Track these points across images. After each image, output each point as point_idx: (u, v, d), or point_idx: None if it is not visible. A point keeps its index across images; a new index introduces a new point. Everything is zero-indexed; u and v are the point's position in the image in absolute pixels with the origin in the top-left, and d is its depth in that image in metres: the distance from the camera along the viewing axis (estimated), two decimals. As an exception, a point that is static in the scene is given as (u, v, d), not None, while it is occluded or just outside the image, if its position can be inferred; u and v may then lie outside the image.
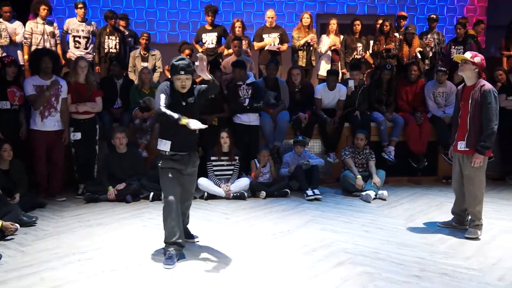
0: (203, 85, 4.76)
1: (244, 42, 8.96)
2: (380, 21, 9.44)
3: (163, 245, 4.74)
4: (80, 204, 6.77)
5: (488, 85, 5.28)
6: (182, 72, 4.52)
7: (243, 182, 7.20)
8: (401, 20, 9.80)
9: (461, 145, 5.41)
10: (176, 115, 4.40)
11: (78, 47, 8.80)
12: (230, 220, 6.06)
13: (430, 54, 9.58)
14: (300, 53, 9.09)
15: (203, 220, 5.98)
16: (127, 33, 9.40)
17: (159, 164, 4.67)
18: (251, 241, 5.24)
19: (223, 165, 7.28)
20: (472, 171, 5.33)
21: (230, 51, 8.87)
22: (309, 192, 7.08)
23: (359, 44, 9.27)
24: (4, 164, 6.36)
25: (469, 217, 5.55)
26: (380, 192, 7.20)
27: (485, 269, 4.45)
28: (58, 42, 8.69)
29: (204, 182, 7.07)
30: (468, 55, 5.38)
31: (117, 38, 8.92)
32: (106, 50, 8.87)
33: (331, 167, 8.32)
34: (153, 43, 9.70)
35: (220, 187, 7.11)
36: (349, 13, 12.15)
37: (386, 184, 7.63)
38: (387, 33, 9.13)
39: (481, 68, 5.33)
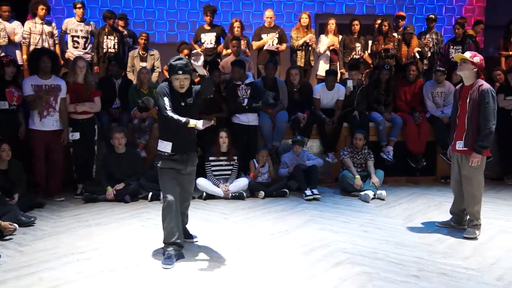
0: (198, 86, 4.76)
1: (242, 42, 8.96)
2: (379, 21, 9.46)
3: (162, 245, 4.74)
4: (78, 204, 6.76)
5: (486, 85, 5.29)
6: (180, 72, 4.52)
7: (242, 182, 7.20)
8: (400, 20, 9.81)
9: (459, 145, 5.42)
10: (183, 119, 4.43)
11: (76, 47, 8.80)
12: (229, 220, 6.06)
13: (429, 54, 9.59)
14: (298, 53, 9.10)
15: (201, 220, 5.98)
16: (125, 33, 9.40)
17: (158, 165, 4.67)
18: (249, 241, 5.24)
19: (221, 165, 7.28)
20: (470, 171, 5.34)
21: (229, 51, 8.87)
22: (308, 192, 7.09)
23: (357, 44, 9.28)
24: (2, 164, 6.35)
25: (468, 217, 5.56)
26: (378, 192, 7.20)
27: (483, 269, 4.45)
28: (56, 42, 8.69)
29: (202, 182, 7.07)
30: (467, 54, 5.39)
31: (116, 38, 8.92)
32: (104, 50, 8.87)
33: (329, 167, 8.32)
34: (151, 43, 9.70)
35: (218, 187, 7.11)
36: (347, 13, 12.15)
37: (384, 184, 7.64)
38: (385, 33, 9.14)
39: (480, 68, 5.33)
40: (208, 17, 9.21)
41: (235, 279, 4.21)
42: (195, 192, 6.63)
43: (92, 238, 5.29)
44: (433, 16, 9.93)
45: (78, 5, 8.71)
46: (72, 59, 8.06)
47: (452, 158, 5.64)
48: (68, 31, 8.83)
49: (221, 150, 7.22)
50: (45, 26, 8.48)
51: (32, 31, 8.38)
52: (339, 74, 9.17)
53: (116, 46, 8.91)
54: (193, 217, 5.57)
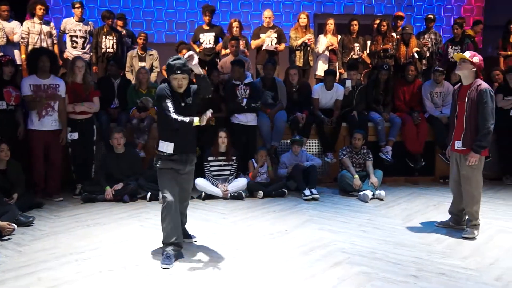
0: (196, 86, 4.76)
1: (241, 42, 8.96)
2: (378, 21, 9.45)
3: (160, 245, 4.75)
4: (77, 204, 6.76)
5: (484, 85, 5.30)
6: (179, 72, 4.52)
7: (241, 182, 7.20)
8: (398, 21, 9.81)
9: (458, 145, 5.42)
10: (187, 119, 4.45)
11: (75, 47, 8.79)
12: (228, 220, 6.06)
13: (427, 54, 9.59)
14: (297, 53, 9.10)
15: (200, 220, 5.98)
16: (124, 33, 9.38)
17: (157, 165, 4.66)
18: (248, 241, 5.24)
19: (220, 165, 7.28)
20: (469, 171, 5.34)
21: (228, 51, 8.87)
22: (307, 192, 7.09)
23: (356, 44, 9.30)
24: (1, 164, 6.35)
25: (466, 217, 5.56)
26: (377, 192, 7.20)
27: (482, 269, 4.46)
28: (55, 42, 8.68)
29: (201, 182, 7.07)
30: (467, 54, 5.40)
31: (114, 38, 8.91)
32: (103, 50, 8.86)
33: (328, 167, 8.32)
34: (150, 43, 9.69)
35: (217, 187, 7.11)
36: (346, 13, 12.16)
37: (383, 184, 7.64)
38: (384, 33, 9.14)
39: (479, 68, 5.34)
40: (207, 17, 9.21)
41: (234, 279, 4.21)
42: (194, 192, 6.63)
43: (91, 238, 5.28)
44: (431, 16, 9.93)
45: (77, 5, 8.70)
46: (70, 59, 8.06)
47: (451, 158, 5.65)
48: (66, 31, 8.81)
49: (220, 150, 7.22)
50: (43, 26, 8.46)
51: (31, 31, 8.37)
52: (338, 74, 9.16)
53: (114, 46, 8.90)
54: (192, 217, 5.57)
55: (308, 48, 9.12)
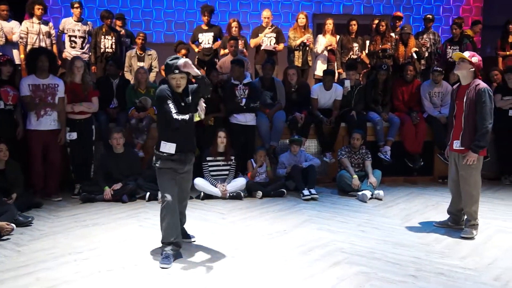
0: (194, 85, 4.76)
1: (240, 42, 8.96)
2: (376, 21, 9.46)
3: (159, 245, 4.75)
4: (76, 204, 6.76)
5: (483, 84, 5.30)
6: (177, 71, 4.52)
7: (240, 182, 7.20)
8: (397, 21, 9.81)
9: (456, 144, 5.43)
10: (187, 116, 4.45)
11: (74, 47, 8.79)
12: (227, 220, 6.06)
13: (426, 54, 9.60)
14: (296, 53, 9.09)
15: (199, 220, 5.98)
16: (123, 32, 9.38)
17: (157, 165, 4.65)
18: (247, 241, 5.24)
19: (219, 165, 7.28)
20: (468, 171, 5.35)
21: (226, 51, 8.87)
22: (306, 192, 7.09)
23: (355, 44, 9.30)
24: (0, 164, 6.34)
25: (465, 216, 5.56)
26: (376, 192, 7.20)
27: (481, 269, 4.46)
28: (54, 42, 8.68)
29: (200, 182, 7.07)
30: (466, 54, 5.41)
31: (113, 38, 8.91)
32: (102, 50, 8.86)
33: (327, 167, 8.33)
34: (149, 43, 9.68)
35: (216, 187, 7.11)
36: (345, 13, 12.16)
37: (382, 184, 7.65)
38: (383, 33, 9.14)
39: (478, 68, 5.35)
40: (206, 17, 9.21)
41: (233, 279, 4.21)
42: (193, 192, 6.65)
43: (89, 238, 5.28)
44: (430, 16, 9.94)
45: (76, 5, 8.70)
46: (69, 59, 8.05)
47: (450, 157, 5.65)
48: (65, 31, 8.81)
49: (218, 150, 7.22)
50: (42, 26, 8.47)
51: (30, 31, 8.37)
52: (336, 74, 9.16)
53: (113, 46, 8.90)
54: (190, 217, 5.56)
55: (307, 48, 9.11)
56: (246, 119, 7.84)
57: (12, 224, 5.42)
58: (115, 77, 8.12)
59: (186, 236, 5.13)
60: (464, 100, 5.32)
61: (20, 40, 8.36)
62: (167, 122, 4.53)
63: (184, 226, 5.14)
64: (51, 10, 10.98)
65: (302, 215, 6.28)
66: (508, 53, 9.74)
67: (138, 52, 8.93)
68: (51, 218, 6.07)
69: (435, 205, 6.83)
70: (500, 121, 8.01)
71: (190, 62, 4.50)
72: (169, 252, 4.57)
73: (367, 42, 9.44)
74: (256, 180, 7.39)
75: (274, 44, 9.10)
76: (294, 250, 4.95)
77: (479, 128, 5.24)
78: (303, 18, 9.08)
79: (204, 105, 4.56)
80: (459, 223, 5.69)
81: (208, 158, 7.24)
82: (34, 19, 8.40)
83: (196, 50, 9.31)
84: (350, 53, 9.27)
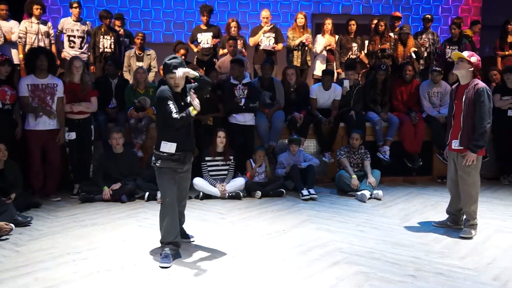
0: (193, 84, 4.75)
1: (239, 42, 8.96)
2: (375, 21, 9.46)
3: (158, 245, 4.75)
4: (75, 204, 6.75)
5: (481, 84, 5.31)
6: (175, 71, 4.52)
7: (239, 182, 7.20)
8: (396, 21, 9.81)
9: (455, 144, 5.43)
10: (185, 114, 4.43)
11: (72, 47, 8.79)
12: (226, 220, 6.06)
13: (425, 54, 9.61)
14: (295, 53, 9.09)
15: (198, 220, 5.98)
16: (122, 32, 9.38)
17: (157, 164, 4.64)
18: (246, 240, 5.24)
19: (218, 165, 7.28)
20: (466, 171, 5.35)
21: (225, 51, 8.87)
22: (305, 191, 7.09)
23: (354, 44, 9.29)
24: (-2, 164, 6.36)
25: (464, 216, 5.56)
26: (375, 191, 7.20)
27: (480, 269, 4.46)
28: (52, 42, 8.68)
29: (199, 182, 7.07)
30: (465, 53, 5.42)
31: (112, 38, 8.91)
32: (101, 50, 8.86)
33: (326, 167, 8.33)
34: (148, 43, 9.68)
35: (215, 187, 7.10)
36: (344, 13, 12.17)
37: (381, 184, 7.65)
38: (382, 33, 9.15)
39: (477, 68, 5.35)
40: (205, 17, 9.20)
41: (232, 279, 4.21)
42: (192, 192, 6.64)
43: (88, 238, 5.28)
44: (429, 16, 9.95)
45: (74, 5, 8.69)
46: (68, 59, 8.04)
47: (449, 157, 5.66)
48: (64, 31, 8.81)
49: (217, 150, 7.22)
50: (41, 25, 8.46)
51: (28, 31, 8.37)
52: (335, 74, 9.17)
53: (112, 46, 8.90)
54: (189, 217, 5.56)
55: (306, 48, 9.11)
56: (245, 119, 7.83)
57: (11, 224, 5.42)
58: (114, 77, 8.12)
59: (185, 236, 5.13)
60: (463, 100, 5.32)
61: (19, 40, 8.35)
62: (166, 122, 4.53)
63: (183, 226, 5.14)
64: (50, 10, 10.99)
65: (301, 215, 6.28)
66: (507, 53, 9.74)
67: (137, 52, 8.93)
68: (50, 218, 6.07)
69: (434, 205, 6.83)
70: (499, 121, 8.04)
71: (185, 70, 4.48)
72: (169, 252, 4.56)
73: (366, 42, 9.44)
74: (255, 180, 7.39)
75: (273, 44, 9.10)
76: (293, 250, 4.95)
77: (477, 127, 5.24)
78: (302, 18, 9.08)
79: (195, 96, 4.52)
80: (458, 223, 5.69)
81: (207, 158, 7.24)
82: (33, 19, 8.40)
83: (195, 50, 9.31)
84: (349, 53, 9.27)
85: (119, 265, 4.49)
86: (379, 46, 9.10)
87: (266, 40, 9.10)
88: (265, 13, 9.21)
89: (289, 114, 8.14)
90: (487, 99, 5.23)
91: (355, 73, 8.68)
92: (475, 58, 5.33)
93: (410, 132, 8.21)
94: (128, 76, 8.76)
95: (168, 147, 4.59)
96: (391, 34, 9.33)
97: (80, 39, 8.82)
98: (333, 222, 5.98)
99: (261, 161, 7.43)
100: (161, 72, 8.57)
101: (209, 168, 7.24)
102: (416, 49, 9.16)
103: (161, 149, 4.60)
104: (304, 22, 9.09)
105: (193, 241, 5.18)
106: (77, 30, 8.78)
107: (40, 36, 8.43)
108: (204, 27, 9.29)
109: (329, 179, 8.23)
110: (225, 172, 7.28)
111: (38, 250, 4.88)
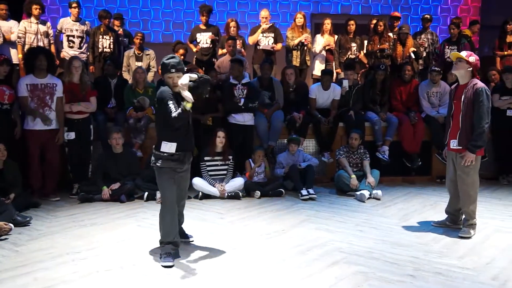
0: (191, 83, 4.73)
1: (238, 42, 8.96)
2: (374, 21, 9.47)
3: (158, 244, 4.75)
4: (74, 204, 6.75)
5: (480, 84, 5.31)
6: (173, 70, 4.52)
7: (238, 182, 7.20)
8: (395, 21, 9.82)
9: (453, 144, 5.44)
10: (181, 110, 4.39)
11: (72, 47, 8.78)
12: (225, 220, 6.06)
13: (424, 54, 9.62)
14: (294, 52, 9.09)
15: (197, 220, 5.98)
16: (121, 32, 9.37)
17: (158, 164, 4.63)
18: (245, 240, 5.24)
19: (217, 165, 7.27)
20: (465, 171, 5.35)
21: (224, 50, 8.87)
22: (304, 191, 7.09)
23: (353, 44, 9.30)
24: (-2, 164, 6.35)
25: (463, 216, 5.57)
26: (374, 191, 7.21)
27: (479, 268, 4.47)
28: (52, 41, 8.67)
29: (198, 182, 7.07)
30: (463, 53, 5.42)
31: (111, 38, 8.90)
32: (100, 50, 8.85)
33: (325, 166, 8.33)
34: (147, 43, 9.69)
35: (214, 187, 7.11)
36: (343, 13, 12.18)
37: (380, 184, 7.65)
38: (381, 33, 9.15)
39: (475, 68, 5.36)
40: (204, 17, 9.21)
41: (231, 278, 4.21)
42: (191, 192, 6.65)
43: (87, 238, 5.28)
44: (428, 16, 9.95)
45: (74, 5, 8.69)
46: (67, 58, 8.04)
47: (448, 157, 5.66)
48: (63, 31, 8.81)
49: (216, 150, 7.21)
50: (40, 25, 8.46)
51: (27, 31, 8.36)
52: (334, 74, 9.18)
53: (111, 46, 8.89)
54: (189, 216, 5.55)
55: (305, 48, 9.12)
56: (244, 119, 7.83)
57: (10, 224, 5.42)
58: (113, 77, 8.12)
59: (184, 235, 5.13)
60: (462, 100, 5.33)
61: (18, 40, 8.35)
62: (166, 122, 4.52)
63: (182, 225, 5.14)
64: (49, 9, 11.00)
65: (300, 215, 6.28)
66: (506, 53, 9.74)
67: (136, 52, 8.93)
68: (49, 218, 6.07)
69: (433, 205, 6.84)
70: (498, 121, 8.05)
71: (183, 81, 4.45)
72: (170, 251, 4.56)
73: (365, 42, 9.45)
74: (254, 180, 7.39)
75: (272, 44, 9.10)
76: (292, 249, 4.95)
77: (476, 127, 5.25)
78: (301, 18, 9.09)
79: (185, 88, 4.49)
80: (457, 222, 5.70)
81: (206, 158, 7.24)
82: (32, 19, 8.39)
83: (194, 50, 9.31)
84: (348, 53, 9.27)
85: (118, 265, 4.49)
86: (378, 46, 9.10)
87: (265, 40, 9.10)
88: (264, 13, 9.21)
89: (288, 114, 8.14)
90: (486, 99, 5.23)
91: (354, 73, 8.69)
92: (473, 58, 5.34)
93: (409, 132, 8.22)
94: (127, 76, 8.76)
95: (169, 147, 4.58)
96: (390, 34, 9.34)
97: (79, 39, 8.82)
98: (332, 222, 5.98)
99: (260, 161, 7.42)
100: (160, 71, 8.62)
101: (208, 168, 7.24)
102: (415, 49, 9.16)
103: (161, 149, 4.60)
104: (303, 22, 9.09)
105: (192, 241, 5.18)
106: (76, 30, 8.77)
107: (39, 36, 8.42)
108: (203, 27, 9.29)
109: (328, 179, 8.23)
110: (224, 172, 7.28)
111: (37, 250, 4.88)
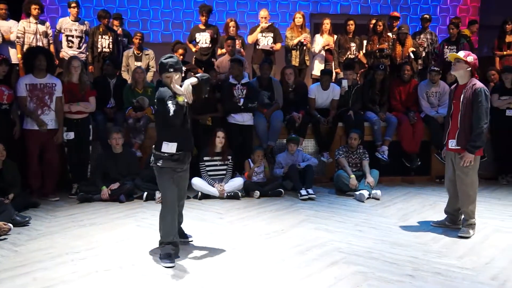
0: (188, 80, 4.71)
1: (237, 42, 8.96)
2: (374, 21, 9.47)
3: (157, 244, 4.74)
4: (73, 204, 6.75)
5: (479, 84, 5.31)
6: (171, 70, 4.51)
7: (237, 182, 7.20)
8: (394, 21, 9.82)
9: (452, 143, 5.44)
10: (175, 106, 4.35)
11: (71, 47, 8.78)
12: (224, 220, 6.06)
13: (423, 54, 9.62)
14: (293, 52, 9.10)
15: (197, 220, 5.98)
16: (120, 32, 9.37)
17: (159, 164, 4.62)
18: (245, 240, 5.24)
19: (216, 165, 7.27)
20: (464, 171, 5.35)
21: (224, 50, 8.87)
22: (303, 191, 7.09)
23: (352, 44, 9.30)
24: (-3, 164, 6.35)
25: (462, 216, 5.57)
26: (373, 191, 7.21)
27: (478, 268, 4.47)
28: (51, 41, 8.67)
29: (198, 182, 7.07)
30: (461, 54, 5.41)
31: (110, 38, 8.90)
32: (99, 50, 8.85)
33: (324, 166, 8.33)
34: (146, 43, 9.69)
35: (214, 187, 7.10)
36: (342, 13, 12.20)
37: (379, 184, 7.65)
38: (380, 33, 9.16)
39: (474, 67, 5.36)
40: (204, 17, 9.20)
41: (230, 278, 4.21)
42: (191, 192, 6.64)
43: (87, 238, 5.27)
44: (427, 16, 9.96)
45: (73, 5, 8.69)
46: (66, 58, 8.04)
47: (446, 157, 5.66)
48: (62, 31, 8.81)
49: (216, 150, 7.21)
50: (39, 25, 8.46)
51: (26, 31, 8.36)
52: (334, 74, 9.18)
53: (110, 46, 8.89)
54: (188, 216, 5.56)
55: (304, 48, 9.12)
56: (244, 118, 7.83)
57: (9, 224, 5.42)
58: (113, 76, 8.11)
59: (184, 235, 5.13)
60: (461, 100, 5.33)
61: (17, 39, 8.34)
62: (166, 122, 4.52)
63: (182, 225, 5.14)
64: (48, 9, 10.99)
65: (300, 215, 6.28)
66: (505, 53, 9.75)
67: (135, 52, 8.93)
68: (48, 218, 6.06)
69: (433, 205, 6.84)
70: (498, 121, 8.06)
71: (188, 87, 4.44)
72: (170, 251, 4.56)
73: (365, 42, 9.45)
74: (253, 180, 7.39)
75: (272, 43, 9.10)
76: (292, 249, 4.95)
77: (474, 128, 5.25)
78: (300, 18, 9.09)
79: (174, 81, 4.47)
80: (456, 222, 5.70)
81: (205, 158, 7.23)
82: (31, 19, 8.39)
83: (194, 49, 9.31)
84: (348, 53, 9.27)
85: (117, 265, 4.49)
86: (378, 46, 9.10)
87: (264, 40, 9.10)
88: (263, 12, 9.21)
89: (287, 114, 8.13)
90: (485, 100, 5.23)
91: (354, 73, 8.68)
92: (471, 58, 5.34)
93: (409, 132, 8.22)
94: (126, 76, 8.76)
95: (170, 148, 4.58)
96: (390, 34, 9.34)
97: (79, 39, 8.82)
98: (332, 222, 5.98)
99: (259, 161, 7.42)
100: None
101: (207, 168, 7.24)
102: (414, 49, 9.17)
103: (162, 150, 4.59)
104: (302, 22, 9.10)
105: (192, 241, 5.17)
106: (76, 30, 8.77)
107: (38, 36, 8.42)
108: (202, 27, 9.29)
109: (327, 179, 8.23)
110: (223, 172, 7.28)
111: (37, 250, 4.88)
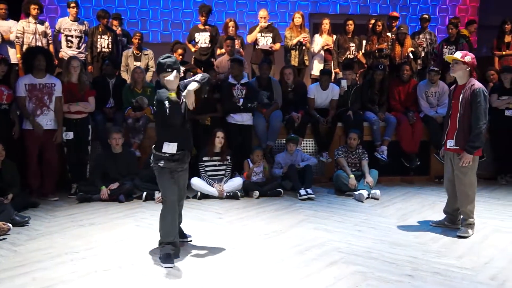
0: (186, 80, 4.72)
1: (237, 42, 8.96)
2: (373, 21, 9.48)
3: (156, 244, 4.75)
4: (73, 204, 6.74)
5: (478, 84, 5.32)
6: (169, 70, 4.51)
7: (236, 182, 7.20)
8: (393, 21, 9.83)
9: (450, 143, 5.45)
10: (169, 103, 4.35)
11: (70, 47, 8.78)
12: (223, 220, 6.06)
13: (422, 54, 9.62)
14: (292, 52, 9.10)
15: (196, 220, 5.98)
16: (119, 32, 9.37)
17: (160, 164, 4.62)
18: (244, 240, 5.24)
19: (215, 165, 7.27)
20: (463, 171, 5.36)
21: (223, 50, 8.87)
22: (302, 191, 7.09)
23: (351, 44, 9.30)
24: (-4, 164, 6.34)
25: (461, 216, 5.57)
26: (373, 191, 7.21)
27: (477, 268, 4.47)
28: (50, 41, 8.67)
29: (197, 182, 7.07)
30: (458, 55, 5.41)
31: (110, 38, 8.90)
32: (98, 50, 8.85)
33: (324, 166, 8.33)
34: (146, 43, 9.69)
35: (213, 187, 7.10)
36: (341, 12, 12.19)
37: (379, 184, 7.65)
38: (379, 33, 9.16)
39: (473, 67, 5.36)
40: (203, 17, 9.20)
41: (229, 278, 4.21)
42: (190, 191, 6.64)
43: (86, 238, 5.27)
44: (426, 16, 9.96)
45: (72, 5, 8.69)
46: (66, 58, 8.04)
47: (445, 157, 5.67)
48: (61, 31, 8.81)
49: (215, 150, 7.21)
50: (38, 25, 8.46)
51: (26, 31, 8.36)
52: (333, 74, 9.18)
53: (110, 46, 8.89)
54: (187, 216, 5.56)
55: (304, 48, 9.12)
56: (243, 118, 7.83)
57: (8, 224, 5.42)
58: (112, 76, 8.11)
59: (183, 235, 5.13)
60: (460, 100, 5.34)
61: (16, 39, 8.34)
62: (165, 122, 4.52)
63: (181, 225, 5.13)
64: (47, 9, 10.99)
65: (299, 215, 6.28)
66: (504, 53, 9.75)
67: (134, 52, 8.93)
68: (48, 218, 6.06)
69: (432, 205, 6.84)
70: (497, 121, 8.07)
71: (189, 94, 4.45)
72: (169, 251, 4.55)
73: (364, 42, 9.45)
74: (252, 179, 7.39)
75: (271, 43, 9.10)
76: (291, 249, 4.95)
77: (473, 128, 5.25)
78: (299, 18, 9.10)
79: (165, 74, 4.48)
80: (455, 222, 5.70)
81: (204, 158, 7.23)
82: (30, 19, 8.39)
83: (193, 49, 9.30)
84: (347, 53, 9.28)
85: (117, 265, 4.49)
86: (377, 46, 9.11)
87: (263, 40, 9.10)
88: (262, 12, 9.22)
89: (286, 114, 8.13)
90: (483, 100, 5.23)
91: (353, 73, 8.68)
92: (469, 57, 5.33)
93: (408, 132, 8.22)
94: (125, 76, 8.76)
95: (170, 148, 4.58)
96: (389, 34, 9.35)
97: (78, 39, 8.81)
98: (331, 221, 5.98)
99: (259, 161, 7.42)
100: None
101: (207, 168, 7.23)
102: (413, 49, 9.17)
103: (163, 150, 4.58)
104: (301, 22, 9.10)
105: (191, 241, 5.17)
106: (75, 30, 8.77)
107: (37, 36, 8.42)
108: (201, 27, 9.29)
109: (326, 179, 8.24)
110: (223, 172, 7.28)
111: (36, 250, 4.88)
